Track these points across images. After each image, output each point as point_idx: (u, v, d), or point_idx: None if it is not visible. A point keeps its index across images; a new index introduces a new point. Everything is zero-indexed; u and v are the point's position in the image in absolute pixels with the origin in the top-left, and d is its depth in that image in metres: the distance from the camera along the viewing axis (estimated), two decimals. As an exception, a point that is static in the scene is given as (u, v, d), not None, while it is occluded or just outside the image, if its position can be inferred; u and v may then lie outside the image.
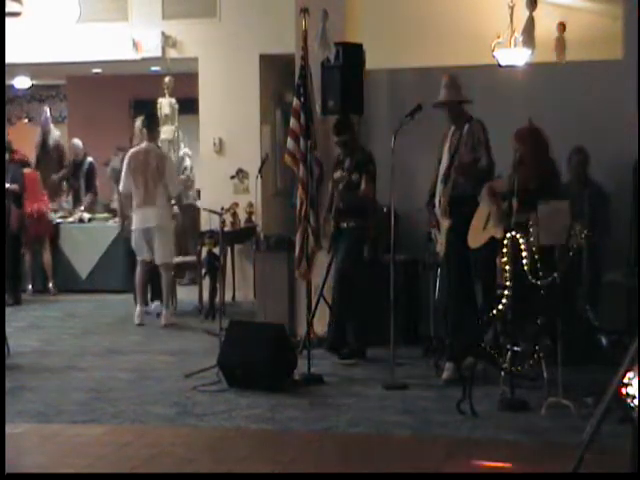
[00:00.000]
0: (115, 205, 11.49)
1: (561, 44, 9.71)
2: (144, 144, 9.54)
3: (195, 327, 9.28)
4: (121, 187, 9.59)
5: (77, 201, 12.69)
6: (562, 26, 9.85)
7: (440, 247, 7.08)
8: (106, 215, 12.06)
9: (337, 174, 7.89)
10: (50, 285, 11.63)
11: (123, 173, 9.49)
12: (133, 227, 9.48)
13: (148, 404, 6.32)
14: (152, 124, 9.73)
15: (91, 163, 12.80)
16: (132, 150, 9.62)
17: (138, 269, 9.54)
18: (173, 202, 9.78)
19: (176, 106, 12.16)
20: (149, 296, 10.04)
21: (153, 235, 9.38)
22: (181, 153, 12.05)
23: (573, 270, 6.25)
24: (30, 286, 11.61)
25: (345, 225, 7.78)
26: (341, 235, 7.80)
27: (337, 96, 8.34)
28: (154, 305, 9.95)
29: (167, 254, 9.54)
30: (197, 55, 11.75)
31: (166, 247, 9.52)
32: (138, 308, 9.47)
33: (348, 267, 7.67)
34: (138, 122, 10.18)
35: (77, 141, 12.98)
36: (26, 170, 11.60)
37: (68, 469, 4.94)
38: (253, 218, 10.95)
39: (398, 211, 7.13)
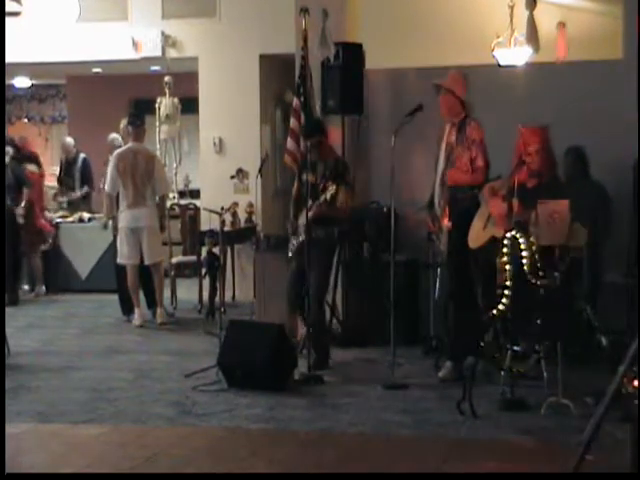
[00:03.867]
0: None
1: (563, 43, 9.73)
2: (131, 144, 9.49)
3: (195, 327, 9.28)
4: (107, 188, 9.48)
5: (72, 202, 12.61)
6: (562, 26, 9.86)
7: (444, 247, 7.08)
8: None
9: (305, 176, 7.47)
10: (36, 288, 11.46)
11: (109, 174, 9.40)
12: (121, 226, 9.36)
13: (148, 404, 6.32)
14: (136, 123, 9.67)
15: (85, 159, 12.64)
16: (119, 151, 9.52)
17: (129, 274, 9.39)
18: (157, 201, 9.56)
19: (179, 106, 12.13)
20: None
21: (143, 235, 9.35)
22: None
23: (573, 270, 6.25)
24: (26, 286, 11.60)
25: (314, 235, 7.23)
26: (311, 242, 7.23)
27: (337, 96, 8.35)
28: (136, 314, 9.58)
29: (157, 253, 9.52)
30: (197, 55, 11.73)
31: (156, 246, 9.50)
32: (137, 310, 9.44)
33: (325, 284, 7.53)
34: (123, 123, 10.02)
35: (69, 139, 12.91)
36: (30, 167, 11.59)
37: (68, 469, 4.94)
38: (253, 218, 10.94)
39: (398, 211, 7.14)
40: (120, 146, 9.97)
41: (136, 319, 9.40)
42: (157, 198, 9.54)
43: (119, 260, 9.47)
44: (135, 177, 9.32)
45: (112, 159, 9.48)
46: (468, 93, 6.97)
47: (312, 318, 7.25)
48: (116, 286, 9.91)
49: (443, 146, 7.00)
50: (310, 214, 7.13)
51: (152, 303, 9.57)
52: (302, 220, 7.32)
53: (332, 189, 7.12)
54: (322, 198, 7.19)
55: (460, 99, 6.92)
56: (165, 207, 9.92)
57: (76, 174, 12.67)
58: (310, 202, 7.22)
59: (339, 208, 7.26)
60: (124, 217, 9.36)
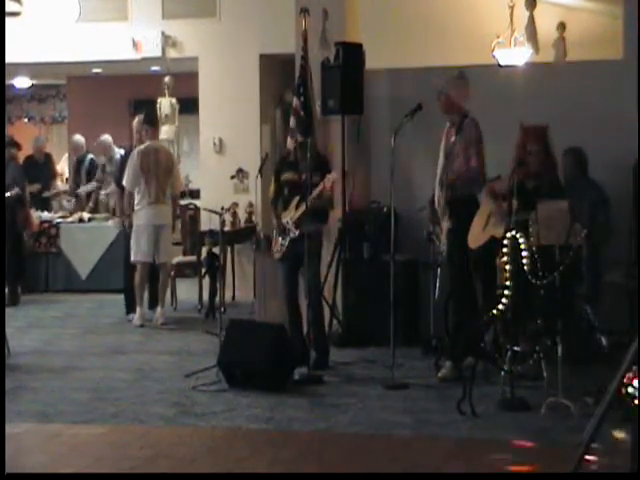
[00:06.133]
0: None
1: (562, 44, 9.72)
2: (151, 142, 9.48)
3: (195, 327, 9.28)
4: (128, 185, 9.41)
5: (79, 201, 12.61)
6: (562, 26, 9.86)
7: (444, 247, 7.08)
8: (106, 215, 12.01)
9: (288, 175, 7.40)
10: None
11: (130, 171, 9.35)
12: (140, 223, 9.30)
13: (148, 404, 6.32)
14: (154, 121, 9.72)
15: (92, 159, 12.70)
16: (140, 148, 9.44)
17: (139, 272, 9.38)
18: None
19: (176, 106, 12.14)
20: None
21: (161, 233, 9.35)
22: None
23: (573, 270, 6.25)
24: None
25: (306, 229, 7.16)
26: (301, 240, 7.17)
27: (337, 96, 8.35)
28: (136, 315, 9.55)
29: (169, 252, 9.56)
30: (197, 55, 11.75)
31: (169, 245, 9.55)
32: (138, 310, 9.43)
33: (319, 280, 7.55)
34: (136, 120, 10.00)
35: (79, 137, 12.94)
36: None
37: (68, 469, 4.94)
38: (253, 218, 10.95)
39: (398, 211, 7.14)
40: (111, 146, 10.00)
41: (137, 319, 9.38)
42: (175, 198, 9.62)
43: (134, 258, 9.39)
44: (158, 174, 9.33)
45: (133, 156, 9.43)
46: (468, 94, 6.98)
47: (316, 312, 7.28)
48: (123, 284, 9.90)
49: (443, 145, 7.01)
50: (307, 207, 7.11)
51: (155, 303, 9.58)
52: (288, 219, 7.34)
53: (327, 177, 7.12)
54: (319, 190, 7.16)
55: (452, 98, 6.95)
56: (177, 206, 9.94)
57: (83, 174, 12.68)
58: (297, 199, 7.25)
59: (328, 197, 7.33)
60: (144, 214, 9.32)
